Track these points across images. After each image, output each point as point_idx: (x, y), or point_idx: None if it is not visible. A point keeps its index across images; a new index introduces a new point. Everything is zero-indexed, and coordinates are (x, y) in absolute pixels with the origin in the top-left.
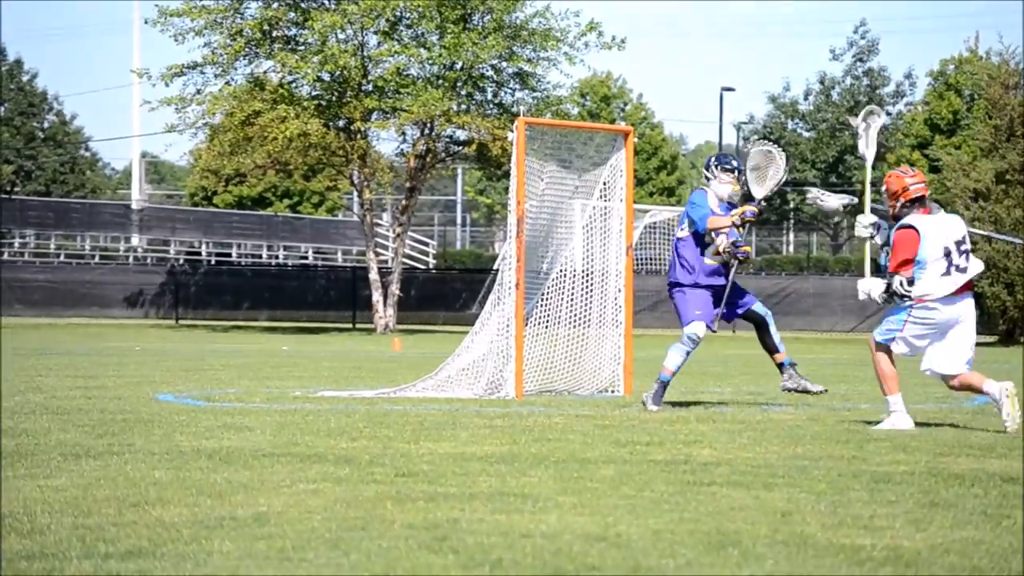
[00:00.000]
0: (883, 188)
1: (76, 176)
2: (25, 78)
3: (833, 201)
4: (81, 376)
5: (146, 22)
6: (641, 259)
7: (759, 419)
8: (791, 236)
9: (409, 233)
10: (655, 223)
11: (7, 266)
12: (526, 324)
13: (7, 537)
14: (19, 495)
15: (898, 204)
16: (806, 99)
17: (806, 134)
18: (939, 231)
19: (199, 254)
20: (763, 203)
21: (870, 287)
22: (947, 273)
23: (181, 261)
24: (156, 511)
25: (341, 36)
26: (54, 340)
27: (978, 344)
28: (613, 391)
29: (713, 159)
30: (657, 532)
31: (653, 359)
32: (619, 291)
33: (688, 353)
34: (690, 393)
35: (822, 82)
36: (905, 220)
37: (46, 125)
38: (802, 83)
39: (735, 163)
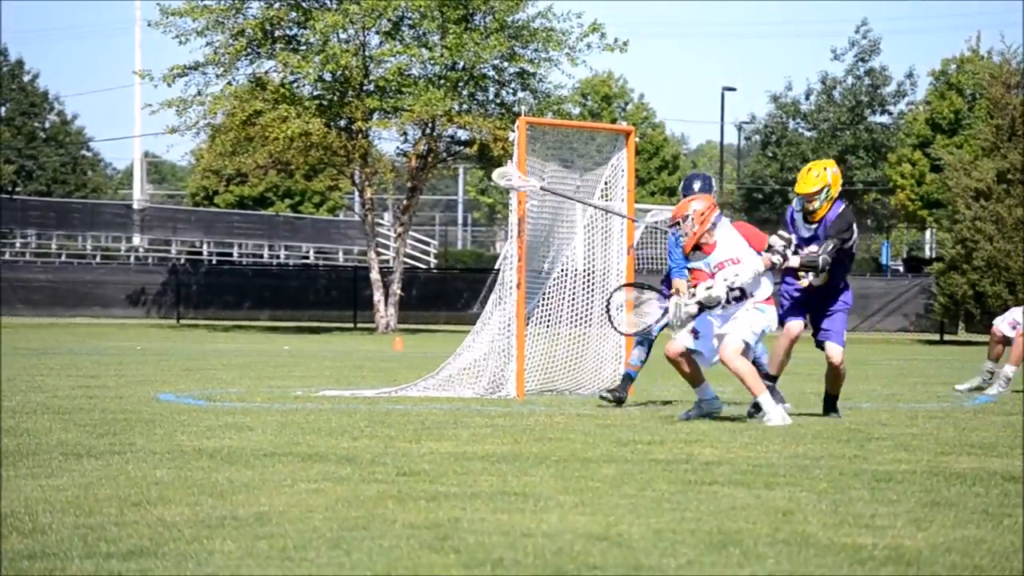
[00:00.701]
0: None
1: (77, 176)
2: (27, 78)
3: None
4: (82, 376)
5: (148, 24)
6: (642, 259)
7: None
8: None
9: (410, 233)
10: (656, 223)
11: (9, 266)
12: (527, 323)
13: (8, 537)
14: (20, 495)
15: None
16: (807, 99)
17: (808, 133)
18: None
19: (200, 254)
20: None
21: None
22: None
23: (182, 261)
24: (158, 510)
25: (343, 36)
26: (55, 340)
27: (979, 344)
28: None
29: (681, 185)
30: (658, 531)
31: (655, 359)
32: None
33: (641, 345)
34: (691, 392)
35: (823, 82)
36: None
37: (47, 125)
38: (803, 83)
39: (696, 186)
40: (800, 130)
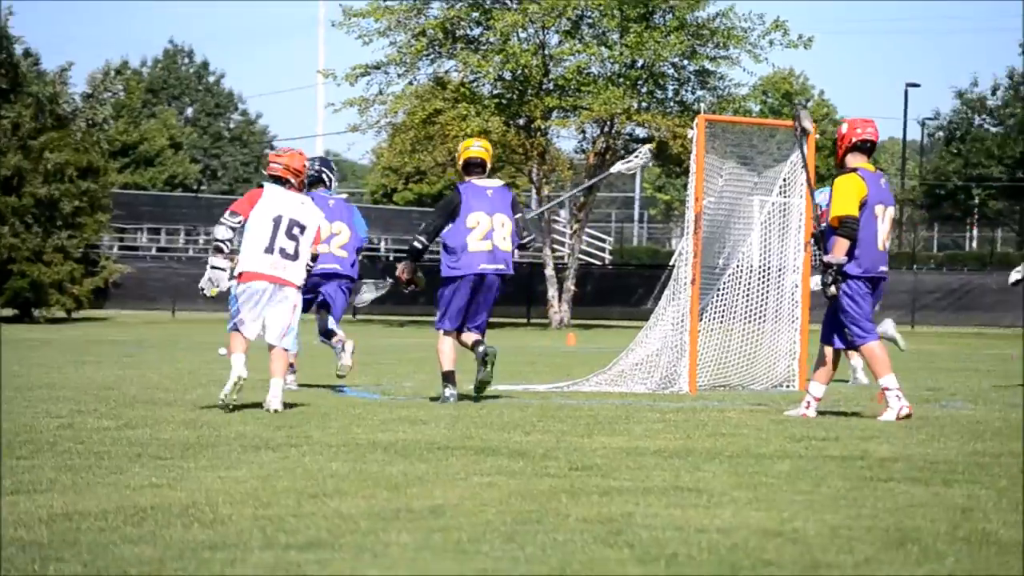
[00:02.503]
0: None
1: (260, 175)
2: (211, 79)
3: None
4: (261, 370)
5: (332, 24)
6: (819, 254)
7: (937, 415)
8: (975, 232)
9: (586, 229)
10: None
11: (195, 262)
12: (701, 319)
13: (190, 527)
14: (201, 486)
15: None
16: (994, 94)
17: (993, 129)
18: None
19: (378, 250)
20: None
21: None
22: (269, 251)
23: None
24: (334, 502)
25: (522, 35)
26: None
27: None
28: (788, 386)
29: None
30: (834, 528)
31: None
32: (796, 287)
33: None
34: (867, 388)
35: (1011, 77)
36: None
37: (232, 125)
38: (990, 78)
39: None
40: (986, 126)
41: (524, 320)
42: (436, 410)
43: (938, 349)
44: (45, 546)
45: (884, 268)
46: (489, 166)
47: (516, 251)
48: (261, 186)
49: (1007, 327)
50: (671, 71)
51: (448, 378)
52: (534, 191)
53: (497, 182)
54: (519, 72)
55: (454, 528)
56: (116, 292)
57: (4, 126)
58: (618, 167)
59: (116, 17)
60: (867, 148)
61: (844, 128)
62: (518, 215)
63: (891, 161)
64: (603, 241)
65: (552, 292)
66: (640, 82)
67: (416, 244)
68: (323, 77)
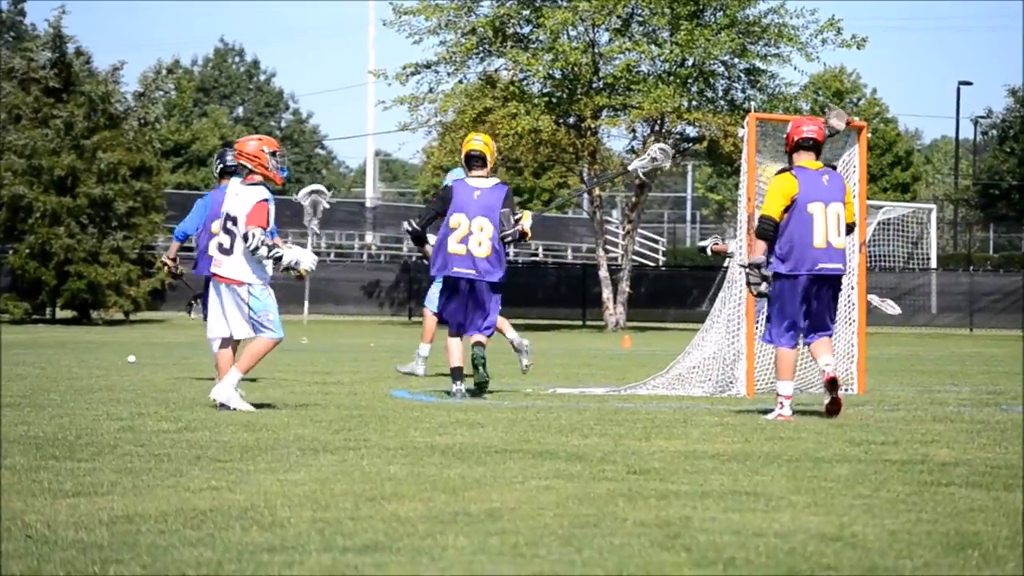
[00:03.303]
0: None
1: (312, 175)
2: (262, 78)
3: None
4: (319, 372)
5: (383, 23)
6: (874, 256)
7: (998, 419)
8: None
9: (639, 230)
10: (888, 220)
11: None
12: (757, 321)
13: (249, 530)
14: (260, 488)
15: None
16: None
17: None
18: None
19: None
20: None
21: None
22: (215, 249)
23: (414, 258)
24: (392, 506)
25: (572, 33)
26: (292, 337)
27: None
28: (846, 389)
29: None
30: (893, 533)
31: (886, 357)
32: (852, 288)
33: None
34: (927, 392)
35: None
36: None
37: (283, 124)
38: None
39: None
40: None
41: (579, 322)
42: (493, 414)
43: (997, 352)
44: (105, 548)
45: (827, 265)
46: (490, 162)
47: (503, 247)
48: None
49: None
50: (721, 69)
51: (455, 375)
52: (586, 192)
53: (491, 181)
54: (569, 70)
55: (511, 531)
56: (172, 294)
57: (57, 125)
58: (634, 165)
59: (167, 16)
60: (810, 146)
61: (789, 127)
62: (505, 209)
63: (944, 160)
64: (656, 242)
65: (607, 294)
66: (690, 80)
67: (408, 227)
68: (374, 77)
